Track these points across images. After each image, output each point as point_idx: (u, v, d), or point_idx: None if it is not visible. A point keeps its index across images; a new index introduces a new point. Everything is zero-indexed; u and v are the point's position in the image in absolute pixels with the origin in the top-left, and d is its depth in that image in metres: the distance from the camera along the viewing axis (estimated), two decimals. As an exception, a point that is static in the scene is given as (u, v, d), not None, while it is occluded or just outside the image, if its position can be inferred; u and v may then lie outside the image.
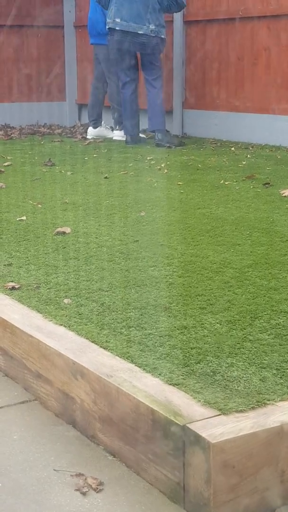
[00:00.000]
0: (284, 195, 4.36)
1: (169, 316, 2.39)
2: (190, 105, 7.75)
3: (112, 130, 7.80)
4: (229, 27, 7.19)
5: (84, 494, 1.77)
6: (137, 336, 2.23)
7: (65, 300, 2.56)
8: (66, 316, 2.41)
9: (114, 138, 7.64)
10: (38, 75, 9.09)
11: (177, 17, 7.56)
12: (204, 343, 2.16)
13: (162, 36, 6.77)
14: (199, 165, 5.67)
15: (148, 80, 6.91)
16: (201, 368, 2.00)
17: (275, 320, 2.34)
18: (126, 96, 7.09)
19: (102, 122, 7.83)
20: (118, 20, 6.69)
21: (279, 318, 2.35)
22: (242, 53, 7.08)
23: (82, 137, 7.81)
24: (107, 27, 6.84)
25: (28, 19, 8.91)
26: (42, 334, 2.27)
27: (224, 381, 1.93)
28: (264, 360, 2.05)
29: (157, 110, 6.90)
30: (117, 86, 7.41)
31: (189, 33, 7.66)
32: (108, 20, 6.81)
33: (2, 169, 5.47)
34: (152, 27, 6.65)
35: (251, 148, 6.63)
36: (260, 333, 2.24)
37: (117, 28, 6.72)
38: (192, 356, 2.08)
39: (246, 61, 7.05)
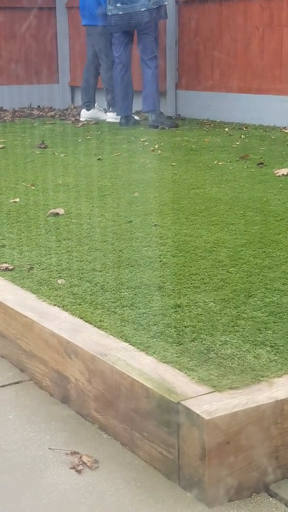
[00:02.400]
0: (278, 174, 4.35)
1: (162, 295, 2.38)
2: (184, 86, 7.71)
3: (106, 112, 7.76)
4: (222, 7, 7.14)
5: (79, 472, 1.78)
6: (131, 315, 2.23)
7: (59, 281, 2.55)
8: (60, 296, 2.41)
9: (107, 120, 7.61)
10: (30, 58, 9.02)
11: (170, -3, 7.51)
12: (198, 322, 2.16)
13: (167, 2, 6.79)
14: (193, 146, 5.65)
15: (143, 59, 6.88)
16: (195, 346, 2.00)
17: (269, 298, 2.34)
18: (119, 78, 7.05)
19: (95, 104, 7.79)
20: (119, 4, 6.69)
21: (273, 296, 2.35)
22: (236, 33, 7.04)
23: (75, 120, 7.77)
24: (109, 14, 6.81)
25: (20, 1, 8.84)
26: (36, 314, 2.27)
27: (218, 358, 1.93)
28: (258, 337, 2.05)
29: (151, 91, 6.87)
30: (109, 68, 7.37)
31: (181, 13, 7.60)
32: (109, 7, 6.78)
33: (-5, 152, 5.45)
34: None
35: (244, 129, 6.61)
36: (254, 311, 2.24)
37: (120, 13, 6.71)
38: (186, 334, 2.08)
39: (240, 41, 7.01)
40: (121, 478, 1.75)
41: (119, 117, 7.17)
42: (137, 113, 7.58)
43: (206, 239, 3.01)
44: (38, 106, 8.94)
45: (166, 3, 6.80)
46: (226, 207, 3.57)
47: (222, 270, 2.62)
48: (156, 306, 2.29)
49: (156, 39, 6.92)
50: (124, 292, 2.43)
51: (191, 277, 2.55)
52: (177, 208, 3.57)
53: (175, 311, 2.25)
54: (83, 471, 1.78)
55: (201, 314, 2.22)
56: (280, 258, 2.74)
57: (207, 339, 2.04)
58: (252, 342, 2.02)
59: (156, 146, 5.60)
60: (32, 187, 4.16)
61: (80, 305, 2.33)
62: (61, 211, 3.54)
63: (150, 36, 6.83)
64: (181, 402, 1.69)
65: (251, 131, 6.48)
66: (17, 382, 2.25)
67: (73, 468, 1.79)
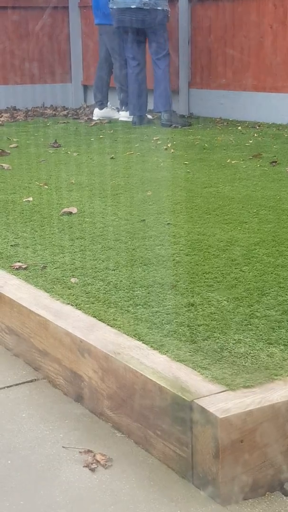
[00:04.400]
0: (291, 173, 4.34)
1: (176, 294, 2.38)
2: (196, 84, 7.70)
3: (118, 111, 7.77)
4: (234, 5, 7.12)
5: (92, 470, 1.78)
6: (144, 314, 2.23)
7: (72, 279, 2.56)
8: (73, 295, 2.41)
9: (120, 119, 7.61)
10: (43, 57, 9.04)
11: (182, -5, 7.51)
12: (211, 320, 2.16)
13: (160, 8, 6.70)
14: (206, 145, 5.64)
15: (153, 59, 6.90)
16: (209, 345, 2.00)
17: (282, 296, 2.33)
18: (132, 76, 7.06)
19: (108, 103, 7.80)
20: None
21: (286, 294, 2.35)
22: (248, 30, 7.03)
23: (88, 119, 7.78)
24: (109, 7, 6.88)
25: (33, 0, 8.85)
26: (49, 313, 2.27)
27: (232, 357, 1.93)
28: (272, 336, 2.05)
29: (163, 91, 6.87)
30: (122, 67, 7.38)
31: (194, 11, 7.60)
32: (109, 3, 6.85)
33: (8, 151, 5.46)
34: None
35: (258, 127, 6.59)
36: (267, 309, 2.23)
37: (114, 7, 6.78)
38: (199, 333, 2.08)
39: (252, 39, 7.00)
40: (134, 477, 1.75)
41: (132, 116, 7.18)
42: (150, 112, 7.59)
43: (219, 237, 3.01)
44: (51, 105, 8.96)
45: (160, 8, 6.71)
46: (239, 206, 3.56)
47: (235, 268, 2.62)
48: (169, 305, 2.29)
49: (166, 38, 6.91)
50: (137, 290, 2.43)
51: (204, 276, 2.54)
52: (190, 206, 3.57)
53: (188, 310, 2.25)
54: (97, 470, 1.79)
55: (214, 313, 2.22)
56: (294, 256, 2.73)
57: (221, 338, 2.04)
58: (266, 341, 2.01)
59: (169, 145, 5.60)
60: (45, 186, 4.17)
61: (93, 303, 2.33)
62: (74, 210, 3.55)
63: (158, 35, 6.83)
64: (194, 400, 1.69)
65: (264, 129, 6.46)
66: (31, 381, 2.25)
67: (86, 466, 1.80)
